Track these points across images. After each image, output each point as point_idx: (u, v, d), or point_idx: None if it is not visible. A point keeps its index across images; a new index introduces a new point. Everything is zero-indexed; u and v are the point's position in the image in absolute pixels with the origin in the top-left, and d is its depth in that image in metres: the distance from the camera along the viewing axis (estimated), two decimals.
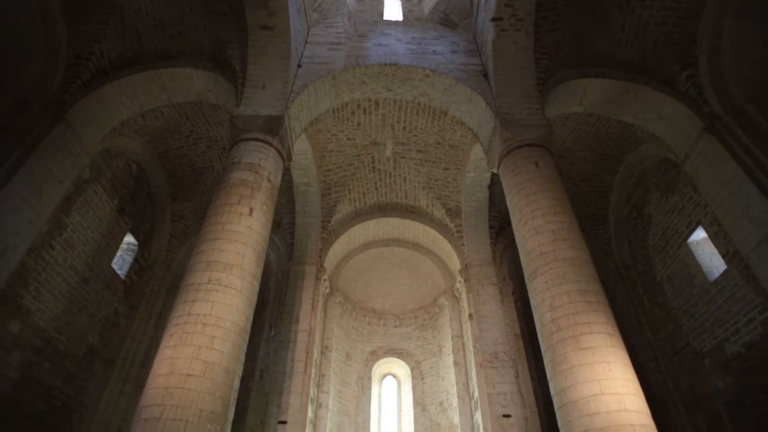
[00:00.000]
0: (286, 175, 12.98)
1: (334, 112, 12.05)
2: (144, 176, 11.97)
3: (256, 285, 7.82)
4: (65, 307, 9.43)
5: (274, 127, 9.34)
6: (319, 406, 12.31)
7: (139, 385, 10.34)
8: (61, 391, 9.30)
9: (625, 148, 11.64)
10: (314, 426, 11.82)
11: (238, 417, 9.94)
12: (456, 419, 12.23)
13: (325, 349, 13.39)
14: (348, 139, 12.95)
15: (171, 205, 12.75)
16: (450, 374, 13.22)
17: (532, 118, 9.40)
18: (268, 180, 8.87)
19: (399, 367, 15.02)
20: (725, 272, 9.06)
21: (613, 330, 6.77)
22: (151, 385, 6.25)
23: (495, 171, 9.74)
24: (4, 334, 7.99)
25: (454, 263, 13.96)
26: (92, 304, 10.24)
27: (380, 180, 14.02)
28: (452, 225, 13.91)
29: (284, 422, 10.32)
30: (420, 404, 13.76)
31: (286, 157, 9.73)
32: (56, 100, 8.31)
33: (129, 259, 11.74)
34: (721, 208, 8.19)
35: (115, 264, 11.20)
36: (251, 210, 8.19)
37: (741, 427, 8.67)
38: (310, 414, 11.27)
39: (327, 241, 13.91)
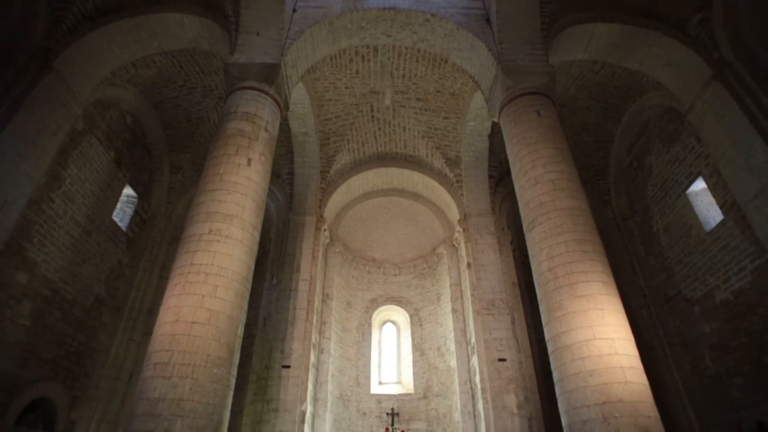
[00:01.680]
0: (284, 125, 12.78)
1: (331, 59, 11.69)
2: (139, 127, 11.78)
3: (257, 235, 7.91)
4: (70, 259, 9.57)
5: (269, 76, 9.09)
6: (321, 351, 12.80)
7: (147, 332, 10.69)
8: (73, 338, 9.62)
9: (629, 97, 11.40)
10: (317, 370, 12.34)
11: (244, 362, 10.36)
12: (453, 363, 12.75)
13: (326, 298, 13.74)
14: (346, 88, 12.65)
15: (168, 157, 12.64)
16: (448, 321, 13.65)
17: (535, 65, 9.13)
18: (266, 130, 8.74)
19: (398, 314, 15.47)
20: (721, 222, 9.14)
21: (608, 278, 6.92)
22: (159, 333, 6.47)
23: (495, 120, 9.59)
24: (13, 284, 8.16)
25: (453, 213, 14.04)
26: (96, 255, 10.39)
27: (379, 129, 13.82)
28: (452, 175, 13.86)
29: (288, 366, 10.76)
30: (419, 349, 14.30)
31: (283, 106, 9.54)
32: (41, 48, 8.03)
33: (129, 211, 11.78)
34: (723, 158, 8.15)
35: (116, 216, 11.26)
36: (249, 160, 8.13)
37: (722, 367, 9.08)
38: (312, 359, 11.73)
39: (326, 192, 13.91)
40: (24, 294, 8.38)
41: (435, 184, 14.24)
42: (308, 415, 10.90)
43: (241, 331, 7.09)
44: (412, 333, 14.72)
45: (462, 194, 13.64)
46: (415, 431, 12.94)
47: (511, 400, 10.34)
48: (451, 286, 13.75)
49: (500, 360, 10.83)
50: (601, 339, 6.29)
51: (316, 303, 12.41)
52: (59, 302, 9.27)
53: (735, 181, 7.89)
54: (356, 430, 12.88)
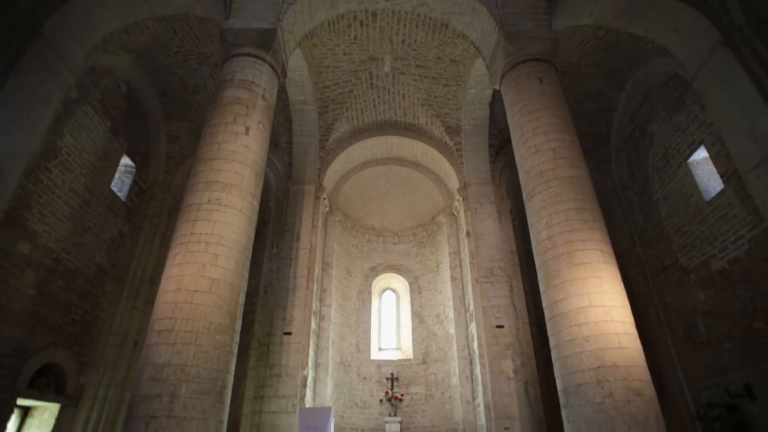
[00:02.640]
0: (282, 93, 12.57)
1: (329, 24, 11.38)
2: (135, 96, 11.59)
3: (256, 204, 7.90)
4: (70, 229, 9.59)
5: (266, 42, 8.88)
6: (321, 318, 13.02)
7: (150, 300, 10.83)
8: (78, 306, 9.75)
9: (633, 64, 11.17)
10: (318, 336, 12.58)
11: (246, 329, 10.55)
12: (452, 330, 12.99)
13: (326, 266, 13.86)
14: (345, 54, 12.38)
15: (165, 126, 12.49)
16: (447, 288, 13.82)
17: (538, 30, 8.90)
18: (263, 98, 8.61)
19: (398, 282, 15.65)
20: (721, 192, 9.12)
21: (607, 247, 6.97)
22: (161, 301, 6.56)
23: (497, 87, 9.43)
24: (16, 254, 8.21)
25: (453, 182, 14.00)
26: (96, 225, 10.41)
27: (378, 97, 13.61)
28: (451, 143, 13.75)
29: (289, 333, 10.97)
30: (418, 316, 14.54)
31: (280, 73, 9.36)
32: (29, 12, 7.80)
33: (128, 181, 11.73)
34: (727, 126, 8.05)
35: (115, 186, 11.22)
36: (247, 129, 8.04)
37: (713, 333, 9.28)
38: (313, 326, 11.94)
39: (325, 161, 13.83)
40: (27, 263, 8.45)
41: (435, 152, 14.14)
42: (310, 380, 11.18)
43: (242, 299, 7.19)
44: (412, 300, 14.94)
45: (462, 163, 13.56)
46: (414, 395, 13.32)
47: (508, 366, 10.60)
48: (450, 254, 13.85)
49: (498, 327, 11.03)
50: (598, 306, 6.39)
51: (317, 271, 12.53)
52: (62, 272, 9.35)
53: (737, 150, 7.83)
54: (357, 394, 13.25)
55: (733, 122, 7.92)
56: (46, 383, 8.88)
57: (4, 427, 7.61)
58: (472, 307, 11.82)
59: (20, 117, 7.58)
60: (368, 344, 14.18)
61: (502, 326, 11.03)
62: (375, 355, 14.24)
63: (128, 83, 11.24)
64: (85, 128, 9.94)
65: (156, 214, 12.12)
